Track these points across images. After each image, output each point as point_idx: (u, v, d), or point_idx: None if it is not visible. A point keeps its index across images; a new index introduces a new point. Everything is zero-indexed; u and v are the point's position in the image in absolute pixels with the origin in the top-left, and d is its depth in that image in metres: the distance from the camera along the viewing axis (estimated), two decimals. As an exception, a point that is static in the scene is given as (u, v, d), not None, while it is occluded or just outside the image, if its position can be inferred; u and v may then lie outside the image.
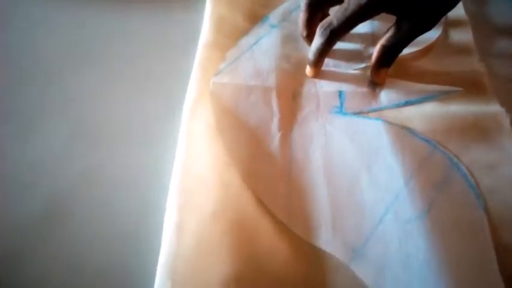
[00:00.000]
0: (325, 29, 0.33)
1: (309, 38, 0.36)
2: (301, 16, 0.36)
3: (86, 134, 0.33)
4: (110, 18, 0.41)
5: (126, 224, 0.29)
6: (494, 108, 0.33)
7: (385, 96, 0.34)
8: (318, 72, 0.35)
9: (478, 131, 0.32)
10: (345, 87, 0.35)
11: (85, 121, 0.34)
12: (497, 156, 0.31)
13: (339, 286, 0.26)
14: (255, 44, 0.38)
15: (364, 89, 0.35)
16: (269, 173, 0.30)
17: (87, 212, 0.29)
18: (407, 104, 0.34)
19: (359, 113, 0.33)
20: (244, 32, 0.39)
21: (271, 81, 0.35)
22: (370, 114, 0.33)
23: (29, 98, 0.36)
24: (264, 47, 0.37)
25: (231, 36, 0.38)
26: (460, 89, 0.34)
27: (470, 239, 0.27)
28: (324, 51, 0.34)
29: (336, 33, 0.33)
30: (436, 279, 0.25)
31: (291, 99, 0.34)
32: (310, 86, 0.35)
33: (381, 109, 0.34)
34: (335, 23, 0.32)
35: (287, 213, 0.29)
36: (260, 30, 0.39)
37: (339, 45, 0.35)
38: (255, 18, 0.40)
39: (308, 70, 0.35)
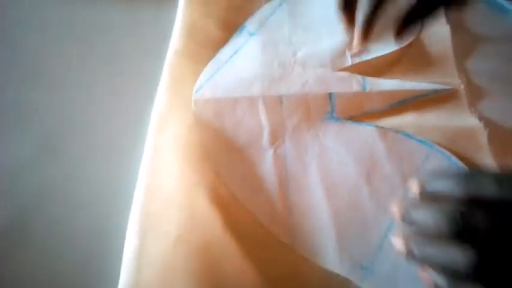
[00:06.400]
0: None
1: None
2: None
3: (51, 145, 0.32)
4: (73, 21, 0.39)
5: (85, 248, 0.27)
6: (471, 122, 0.32)
7: (378, 96, 0.33)
8: (367, 42, 0.33)
9: (456, 148, 0.30)
10: (335, 88, 0.33)
11: (50, 132, 0.32)
12: None
13: None
14: (234, 54, 0.36)
15: (355, 90, 0.33)
16: (266, 194, 0.29)
17: (47, 229, 0.28)
18: (400, 104, 0.33)
19: (351, 118, 0.32)
20: (218, 41, 0.37)
21: (256, 89, 0.33)
22: (363, 118, 0.32)
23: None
24: (245, 56, 0.36)
25: (203, 44, 0.36)
26: (450, 87, 0.34)
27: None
28: (373, 17, 0.31)
29: None
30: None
31: (278, 105, 0.33)
32: (298, 88, 0.33)
33: (373, 111, 0.33)
34: None
35: (290, 234, 0.27)
36: (238, 40, 0.37)
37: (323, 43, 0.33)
38: (229, 26, 0.38)
39: (356, 43, 0.33)
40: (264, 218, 0.28)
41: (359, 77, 0.34)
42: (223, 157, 0.30)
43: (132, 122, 0.32)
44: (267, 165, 0.30)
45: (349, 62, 0.35)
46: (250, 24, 0.38)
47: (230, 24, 0.38)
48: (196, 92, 0.33)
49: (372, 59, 0.35)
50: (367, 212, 0.28)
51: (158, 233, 0.26)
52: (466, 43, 0.37)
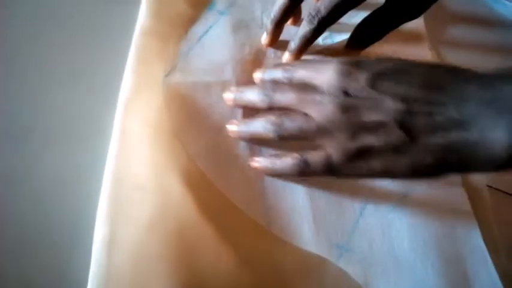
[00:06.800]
0: (313, 17, 0.30)
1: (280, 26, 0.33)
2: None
3: (13, 131, 0.30)
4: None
5: (53, 238, 0.26)
6: None
7: None
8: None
9: None
10: None
11: (10, 117, 0.30)
12: None
13: None
14: (204, 34, 0.35)
15: None
16: (241, 176, 0.29)
17: (12, 219, 0.27)
18: None
19: None
20: (187, 18, 0.35)
21: (229, 73, 0.32)
22: None
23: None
24: (215, 37, 0.35)
25: (171, 22, 0.35)
26: None
27: (452, 216, 0.28)
28: (311, 40, 0.31)
29: (325, 22, 0.30)
30: (422, 265, 0.25)
31: None
32: None
33: None
34: (323, 11, 0.30)
35: (265, 215, 0.28)
36: (208, 19, 0.36)
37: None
38: (199, 1, 0.36)
39: (287, 58, 0.33)
40: (239, 200, 0.28)
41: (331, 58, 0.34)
42: (196, 139, 0.30)
43: (98, 106, 0.31)
44: (241, 146, 0.30)
45: (320, 43, 0.35)
46: (220, 2, 0.37)
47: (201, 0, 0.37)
48: (166, 75, 0.32)
49: (344, 40, 0.34)
50: (343, 192, 0.29)
51: (129, 220, 0.25)
52: (440, 21, 0.38)
